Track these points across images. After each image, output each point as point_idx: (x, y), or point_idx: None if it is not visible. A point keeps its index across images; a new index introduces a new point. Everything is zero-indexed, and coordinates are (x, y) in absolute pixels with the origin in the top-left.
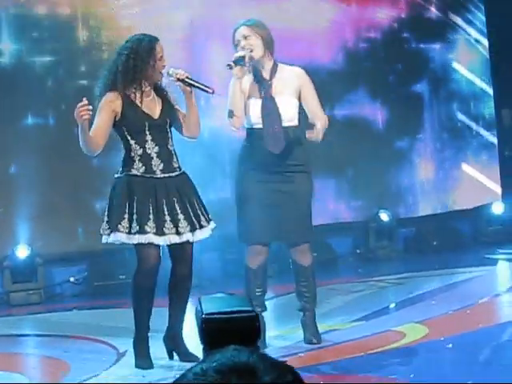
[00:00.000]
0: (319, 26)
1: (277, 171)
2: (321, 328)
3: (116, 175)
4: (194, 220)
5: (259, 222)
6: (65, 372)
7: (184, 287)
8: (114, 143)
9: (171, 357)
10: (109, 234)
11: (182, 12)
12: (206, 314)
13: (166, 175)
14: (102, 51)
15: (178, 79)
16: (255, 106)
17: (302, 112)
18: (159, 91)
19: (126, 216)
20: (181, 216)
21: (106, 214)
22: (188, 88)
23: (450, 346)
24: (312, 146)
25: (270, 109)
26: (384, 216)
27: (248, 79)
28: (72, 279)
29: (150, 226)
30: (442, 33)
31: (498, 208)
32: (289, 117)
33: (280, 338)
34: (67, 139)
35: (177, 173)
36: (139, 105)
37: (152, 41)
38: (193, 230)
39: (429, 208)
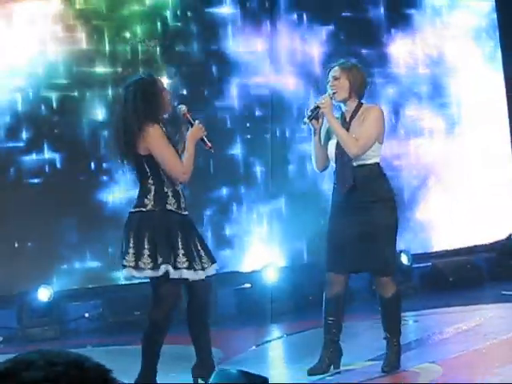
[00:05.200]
0: None
1: (352, 206)
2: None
3: (144, 209)
4: (211, 255)
5: (334, 253)
6: None
7: (208, 317)
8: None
9: None
10: (152, 269)
11: None
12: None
13: (186, 213)
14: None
15: (188, 121)
16: (332, 146)
17: None
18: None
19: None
20: (202, 252)
21: (132, 246)
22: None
23: None
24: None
25: (341, 149)
26: (404, 259)
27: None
28: (87, 315)
29: (196, 261)
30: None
31: None
32: (362, 156)
33: (294, 377)
34: (77, 176)
35: (187, 212)
36: (170, 140)
37: (149, 74)
38: (211, 265)
39: (445, 243)
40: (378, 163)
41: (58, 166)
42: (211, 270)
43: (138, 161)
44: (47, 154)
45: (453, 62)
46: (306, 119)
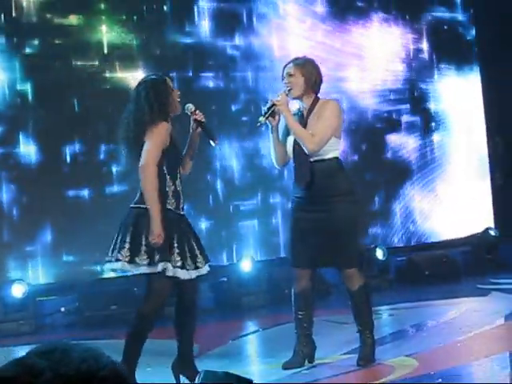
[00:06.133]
0: None
1: (312, 201)
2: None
3: (143, 205)
4: (205, 255)
5: (296, 248)
6: None
7: (194, 317)
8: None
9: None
10: (148, 265)
11: None
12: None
13: (183, 213)
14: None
15: (196, 119)
16: (291, 142)
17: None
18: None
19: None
20: (197, 252)
21: (129, 242)
22: (200, 129)
23: (440, 380)
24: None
25: (299, 145)
26: (379, 253)
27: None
28: (63, 309)
29: (189, 261)
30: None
31: (489, 236)
32: (319, 151)
33: (269, 372)
34: (54, 170)
35: (184, 212)
36: (175, 139)
37: (159, 75)
38: (205, 264)
39: (421, 237)
40: (337, 158)
41: (32, 159)
42: (204, 269)
43: None
44: (22, 148)
45: (429, 56)
46: (261, 118)
